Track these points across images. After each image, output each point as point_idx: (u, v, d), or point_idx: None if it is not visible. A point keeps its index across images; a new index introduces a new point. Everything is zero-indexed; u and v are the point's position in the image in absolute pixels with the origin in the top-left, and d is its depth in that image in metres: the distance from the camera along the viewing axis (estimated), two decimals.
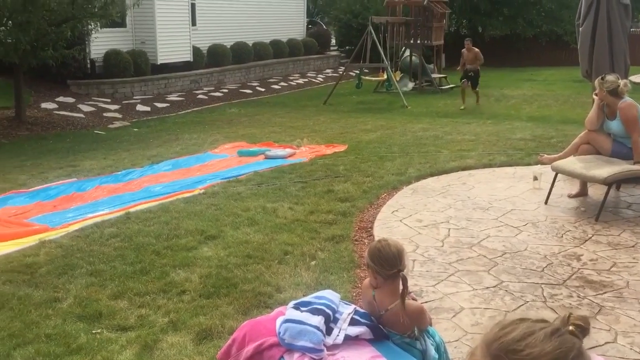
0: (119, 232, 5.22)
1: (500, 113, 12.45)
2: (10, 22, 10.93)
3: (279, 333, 2.23)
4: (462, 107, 13.30)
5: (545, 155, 6.65)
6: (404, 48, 17.96)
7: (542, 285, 4.06)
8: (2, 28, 11.29)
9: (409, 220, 5.49)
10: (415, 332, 2.42)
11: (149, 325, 3.62)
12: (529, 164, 7.39)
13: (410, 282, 2.76)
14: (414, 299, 2.69)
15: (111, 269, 4.44)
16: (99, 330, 3.56)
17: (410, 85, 17.41)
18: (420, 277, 4.22)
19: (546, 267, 4.38)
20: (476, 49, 13.67)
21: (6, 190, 7.07)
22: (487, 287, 4.05)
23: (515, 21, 25.26)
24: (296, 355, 2.15)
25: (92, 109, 13.76)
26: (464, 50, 13.79)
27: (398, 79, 16.32)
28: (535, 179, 6.45)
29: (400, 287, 2.38)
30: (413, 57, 17.70)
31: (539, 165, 6.71)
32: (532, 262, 4.47)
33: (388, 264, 2.36)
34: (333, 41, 28.14)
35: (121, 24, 15.70)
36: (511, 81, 18.95)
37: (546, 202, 5.90)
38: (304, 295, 3.13)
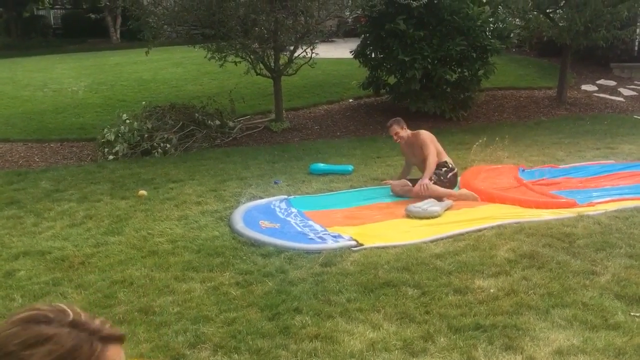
0: None
1: None
2: (563, 2, 11.23)
3: None
4: None
5: None
6: None
7: None
8: (558, 11, 11.76)
9: None
10: None
11: None
12: None
13: None
14: None
15: None
16: (638, 314, 3.41)
17: None
18: None
19: None
20: None
21: (544, 163, 7.44)
22: None
23: None
24: None
25: (633, 93, 13.06)
26: None
27: None
28: None
29: None
30: None
31: None
32: None
33: None
34: None
35: None
36: None
37: None
38: None
